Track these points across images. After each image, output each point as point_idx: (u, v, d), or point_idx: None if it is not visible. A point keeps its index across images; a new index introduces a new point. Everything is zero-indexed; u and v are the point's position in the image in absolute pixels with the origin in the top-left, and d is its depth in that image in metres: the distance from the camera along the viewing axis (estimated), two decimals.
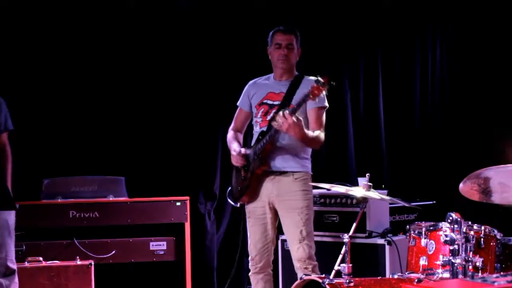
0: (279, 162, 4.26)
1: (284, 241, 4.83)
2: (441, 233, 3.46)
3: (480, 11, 6.14)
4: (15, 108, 4.87)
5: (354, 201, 4.75)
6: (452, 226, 3.34)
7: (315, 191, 4.68)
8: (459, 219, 3.31)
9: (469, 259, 3.31)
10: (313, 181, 4.32)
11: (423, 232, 3.62)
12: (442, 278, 3.42)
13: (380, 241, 4.68)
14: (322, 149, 5.68)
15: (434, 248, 3.55)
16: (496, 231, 3.54)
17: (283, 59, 4.32)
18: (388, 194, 4.67)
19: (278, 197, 4.27)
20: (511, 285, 2.17)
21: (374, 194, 3.90)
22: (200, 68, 5.74)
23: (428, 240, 3.59)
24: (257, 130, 4.38)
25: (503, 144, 5.43)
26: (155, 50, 5.66)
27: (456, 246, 3.30)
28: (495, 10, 6.06)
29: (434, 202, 5.47)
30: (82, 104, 5.51)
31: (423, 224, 3.68)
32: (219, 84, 5.71)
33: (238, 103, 4.54)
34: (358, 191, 3.90)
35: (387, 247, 4.62)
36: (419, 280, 3.37)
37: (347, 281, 3.35)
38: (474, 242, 3.38)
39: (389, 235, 4.71)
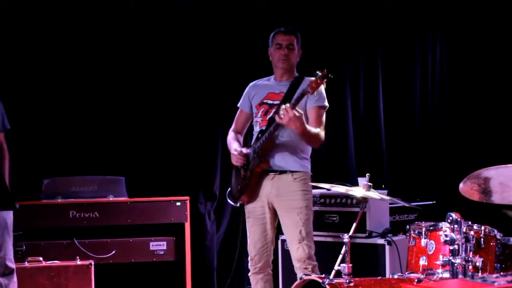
0: (279, 161, 4.26)
1: (284, 241, 4.83)
2: (441, 233, 3.46)
3: (480, 11, 6.14)
4: (16, 108, 4.89)
5: (354, 201, 4.75)
6: (452, 226, 3.34)
7: (315, 191, 4.69)
8: (459, 219, 3.32)
9: (469, 259, 3.31)
10: (313, 181, 4.32)
11: (423, 232, 3.62)
12: (442, 278, 3.42)
13: (380, 241, 4.68)
14: (322, 149, 5.70)
15: (434, 248, 3.55)
16: (496, 231, 3.54)
17: (284, 59, 4.33)
18: (388, 194, 4.67)
19: (277, 197, 4.27)
20: (511, 285, 2.17)
21: (374, 194, 3.90)
22: (200, 68, 5.74)
23: (428, 240, 3.59)
24: (257, 130, 4.38)
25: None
26: (155, 50, 5.66)
27: (456, 246, 3.30)
28: (495, 10, 6.06)
29: (434, 202, 5.47)
30: (82, 104, 5.52)
31: (423, 224, 3.67)
32: (219, 84, 5.71)
33: (238, 105, 4.55)
34: (358, 191, 3.90)
35: (387, 247, 4.62)
36: (419, 280, 3.37)
37: (347, 281, 3.35)
38: (474, 242, 3.38)
39: (389, 235, 4.71)
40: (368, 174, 3.95)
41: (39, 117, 5.38)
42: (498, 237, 3.54)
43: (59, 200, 4.95)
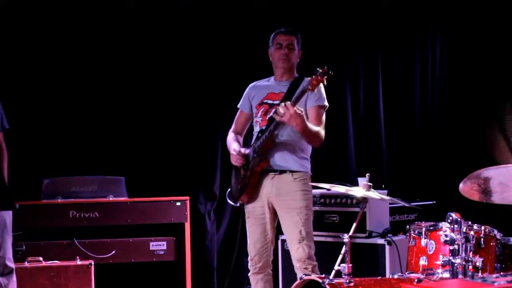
0: (279, 160, 4.26)
1: (284, 241, 4.83)
2: (441, 233, 3.46)
3: (480, 11, 6.15)
4: (15, 108, 4.88)
5: (354, 201, 4.75)
6: (452, 226, 3.34)
7: (315, 191, 4.69)
8: (459, 219, 3.32)
9: (469, 259, 3.31)
10: (313, 181, 4.32)
11: (423, 232, 3.62)
12: (442, 278, 3.42)
13: (380, 241, 4.68)
14: (322, 149, 5.69)
15: (434, 248, 3.55)
16: (496, 231, 3.54)
17: (284, 59, 4.34)
18: (388, 194, 4.67)
19: (277, 197, 4.27)
20: (511, 285, 2.17)
21: (374, 194, 3.90)
22: (200, 68, 5.74)
23: (428, 240, 3.59)
24: (257, 130, 4.38)
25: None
26: (155, 50, 5.65)
27: (456, 246, 3.30)
28: (495, 10, 6.06)
29: (434, 202, 5.47)
30: (82, 104, 5.51)
31: (423, 224, 3.67)
32: (219, 84, 5.71)
33: (238, 106, 4.55)
34: (358, 191, 3.90)
35: (387, 247, 4.62)
36: (419, 280, 3.37)
37: (347, 281, 3.35)
38: (474, 242, 3.38)
39: (389, 235, 4.71)
40: (368, 174, 3.95)
41: (39, 117, 5.38)
42: (498, 237, 3.54)
43: (59, 200, 4.95)
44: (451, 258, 3.31)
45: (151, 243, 5.07)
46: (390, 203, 4.93)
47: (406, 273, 3.62)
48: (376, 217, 4.81)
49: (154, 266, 5.10)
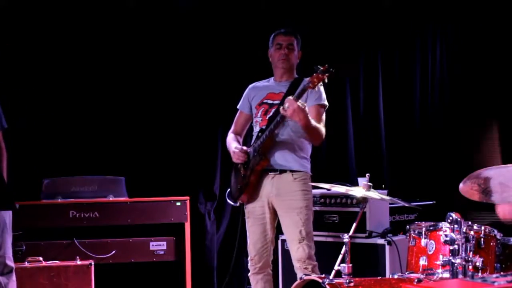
0: (279, 159, 4.26)
1: (284, 241, 4.83)
2: (441, 233, 3.46)
3: (480, 11, 6.14)
4: (15, 108, 4.88)
5: (354, 201, 4.75)
6: (452, 226, 3.34)
7: (316, 191, 4.69)
8: (459, 219, 3.32)
9: (469, 259, 3.31)
10: (313, 181, 4.32)
11: (423, 232, 3.62)
12: (442, 278, 3.42)
13: (380, 241, 4.68)
14: (322, 149, 5.70)
15: (434, 248, 3.55)
16: (496, 231, 3.54)
17: (284, 59, 4.34)
18: (388, 194, 4.67)
19: (277, 197, 4.27)
20: (511, 285, 2.17)
21: (374, 194, 3.90)
22: (200, 68, 5.74)
23: (428, 240, 3.59)
24: (257, 130, 4.39)
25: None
26: (155, 50, 5.65)
27: (456, 246, 3.30)
28: (495, 10, 6.06)
29: (434, 202, 5.47)
30: (82, 104, 5.51)
31: (423, 224, 3.67)
32: (219, 84, 5.71)
33: (238, 106, 4.55)
34: (358, 191, 3.90)
35: (387, 247, 4.62)
36: (419, 280, 3.37)
37: (347, 281, 3.35)
38: (474, 242, 3.38)
39: (389, 235, 4.71)
40: (368, 174, 3.95)
41: (39, 117, 5.38)
42: (498, 237, 3.54)
43: (59, 200, 4.95)
44: (451, 258, 3.31)
45: (151, 243, 5.07)
46: (390, 203, 4.93)
47: (406, 273, 3.62)
48: (376, 217, 4.81)
49: (154, 266, 5.10)
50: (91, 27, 5.50)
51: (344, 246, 3.66)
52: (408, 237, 3.79)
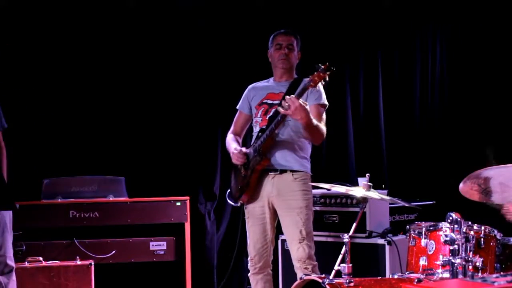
0: (280, 159, 4.26)
1: (284, 241, 4.83)
2: (441, 233, 3.46)
3: (480, 11, 6.15)
4: (15, 108, 4.88)
5: (354, 201, 4.75)
6: (452, 226, 3.34)
7: (316, 191, 4.69)
8: (459, 219, 3.32)
9: (469, 259, 3.31)
10: (313, 181, 4.32)
11: (423, 232, 3.61)
12: (442, 278, 3.42)
13: (380, 241, 4.68)
14: (322, 149, 5.70)
15: (434, 248, 3.54)
16: (496, 231, 3.54)
17: (284, 59, 4.34)
18: (388, 194, 4.67)
19: (278, 197, 4.27)
20: (511, 285, 2.17)
21: (374, 194, 3.90)
22: (199, 68, 5.74)
23: (428, 240, 3.59)
24: (257, 130, 4.38)
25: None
26: (155, 51, 5.66)
27: (456, 246, 3.30)
28: (495, 10, 6.06)
29: (434, 202, 5.47)
30: (82, 104, 5.51)
31: (423, 224, 3.67)
32: (219, 84, 5.71)
33: (237, 107, 4.55)
34: (358, 191, 3.90)
35: (387, 247, 4.62)
36: (419, 280, 3.37)
37: (347, 281, 3.35)
38: (474, 242, 3.38)
39: (389, 235, 4.71)
40: (368, 174, 3.94)
41: (39, 117, 5.38)
42: (498, 237, 3.54)
43: (59, 200, 4.95)
44: (451, 258, 3.31)
45: (151, 243, 5.06)
46: (390, 203, 4.93)
47: (406, 273, 3.62)
48: (376, 217, 4.81)
49: (154, 266, 5.10)
50: (91, 27, 5.50)
51: (344, 246, 3.65)
52: (408, 237, 3.78)
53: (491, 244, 3.50)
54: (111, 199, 5.02)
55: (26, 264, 4.55)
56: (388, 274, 4.52)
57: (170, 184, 5.45)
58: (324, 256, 4.42)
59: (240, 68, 5.62)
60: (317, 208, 4.83)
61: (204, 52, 5.73)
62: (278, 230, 4.44)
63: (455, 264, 3.29)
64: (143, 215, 5.04)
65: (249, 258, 4.40)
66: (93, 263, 4.64)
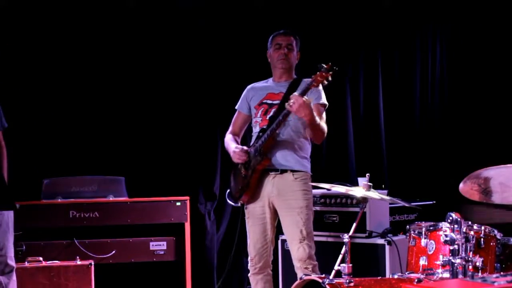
0: (280, 159, 4.26)
1: (284, 241, 4.83)
2: (441, 233, 3.46)
3: (480, 11, 6.15)
4: (15, 108, 4.88)
5: (354, 201, 4.75)
6: (452, 226, 3.34)
7: (316, 191, 4.69)
8: (459, 219, 3.31)
9: (469, 259, 3.31)
10: (313, 181, 4.32)
11: (423, 232, 3.61)
12: (442, 278, 3.42)
13: (380, 241, 4.68)
14: (322, 149, 5.70)
15: (434, 248, 3.54)
16: (496, 231, 3.54)
17: (283, 58, 4.34)
18: (388, 194, 4.67)
19: (278, 197, 4.27)
20: (511, 285, 2.17)
21: (374, 194, 3.90)
22: (199, 69, 5.74)
23: (428, 240, 3.59)
24: (257, 130, 4.38)
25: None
26: (155, 51, 5.66)
27: (456, 246, 3.30)
28: (495, 10, 6.06)
29: (434, 202, 5.47)
30: (82, 104, 5.51)
31: (423, 224, 3.67)
32: (219, 84, 5.71)
33: (236, 107, 4.55)
34: (358, 191, 3.90)
35: (387, 247, 4.62)
36: (419, 280, 3.37)
37: (347, 281, 3.35)
38: (474, 242, 3.38)
39: (389, 235, 4.71)
40: (368, 174, 3.95)
41: (39, 117, 5.38)
42: (498, 237, 3.54)
43: (59, 200, 4.95)
44: (451, 258, 3.31)
45: (151, 243, 5.06)
46: (390, 203, 4.93)
47: (406, 273, 3.62)
48: (376, 217, 4.81)
49: (154, 266, 5.10)
50: (91, 27, 5.50)
51: (344, 246, 3.65)
52: (408, 237, 3.78)
53: (491, 244, 3.50)
54: (111, 199, 5.03)
55: (26, 264, 4.56)
56: (388, 274, 4.51)
57: (170, 184, 5.45)
58: (324, 256, 4.42)
59: (239, 68, 5.62)
60: (317, 208, 4.83)
61: (203, 52, 5.73)
62: (278, 230, 4.44)
63: (455, 264, 3.28)
64: (143, 215, 5.04)
65: (249, 258, 4.40)
66: (93, 263, 4.64)
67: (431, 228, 3.59)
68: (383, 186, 5.35)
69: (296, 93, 4.02)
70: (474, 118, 6.15)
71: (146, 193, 5.19)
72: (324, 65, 3.99)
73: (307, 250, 4.20)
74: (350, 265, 3.60)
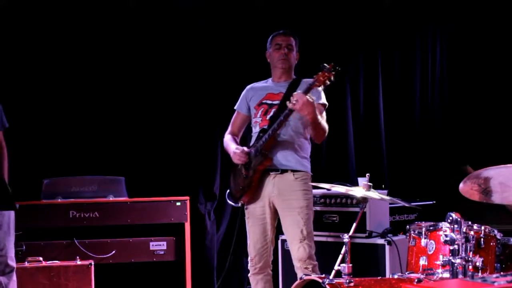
0: (281, 159, 4.26)
1: (284, 241, 4.83)
2: (441, 233, 3.46)
3: (480, 11, 6.15)
4: (15, 108, 4.88)
5: (354, 201, 4.75)
6: (452, 226, 3.34)
7: (316, 191, 4.69)
8: (459, 219, 3.31)
9: (469, 259, 3.31)
10: (313, 181, 4.32)
11: (423, 232, 3.61)
12: (442, 278, 3.42)
13: (380, 241, 4.68)
14: (322, 149, 5.70)
15: (434, 248, 3.54)
16: (496, 231, 3.54)
17: (283, 58, 4.34)
18: (388, 194, 4.67)
19: (279, 197, 4.27)
20: (511, 285, 2.17)
21: (374, 194, 3.90)
22: (198, 69, 5.74)
23: (428, 240, 3.59)
24: (257, 130, 4.38)
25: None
26: (155, 51, 5.66)
27: (456, 246, 3.30)
28: (495, 10, 6.06)
29: (434, 202, 5.47)
30: (82, 104, 5.51)
31: (423, 224, 3.67)
32: (218, 84, 5.71)
33: (235, 107, 4.55)
34: (358, 191, 3.90)
35: (387, 247, 4.62)
36: (419, 280, 3.37)
37: (347, 281, 3.35)
38: (474, 242, 3.38)
39: (389, 235, 4.71)
40: (368, 174, 3.95)
41: (39, 117, 5.38)
42: (498, 237, 3.54)
43: (59, 200, 4.95)
44: (451, 258, 3.31)
45: (151, 243, 5.07)
46: (390, 203, 4.93)
47: (406, 273, 3.62)
48: (376, 217, 4.81)
49: (154, 266, 5.10)
50: (91, 27, 5.50)
51: (344, 246, 3.65)
52: (408, 237, 3.78)
53: (491, 244, 3.50)
54: (111, 199, 5.03)
55: (26, 264, 4.55)
56: (388, 274, 4.51)
57: (170, 184, 5.45)
58: (324, 256, 4.42)
59: (239, 68, 5.62)
60: (317, 208, 4.83)
61: (203, 52, 5.73)
62: (278, 230, 4.44)
63: (455, 264, 3.28)
64: (143, 215, 5.04)
65: (249, 259, 4.40)
66: (93, 263, 4.64)
67: (431, 228, 3.59)
68: (383, 186, 5.35)
69: (299, 91, 4.02)
70: (474, 118, 6.15)
71: (146, 193, 5.19)
72: (327, 65, 3.99)
73: (307, 250, 4.20)
74: (350, 265, 3.60)
